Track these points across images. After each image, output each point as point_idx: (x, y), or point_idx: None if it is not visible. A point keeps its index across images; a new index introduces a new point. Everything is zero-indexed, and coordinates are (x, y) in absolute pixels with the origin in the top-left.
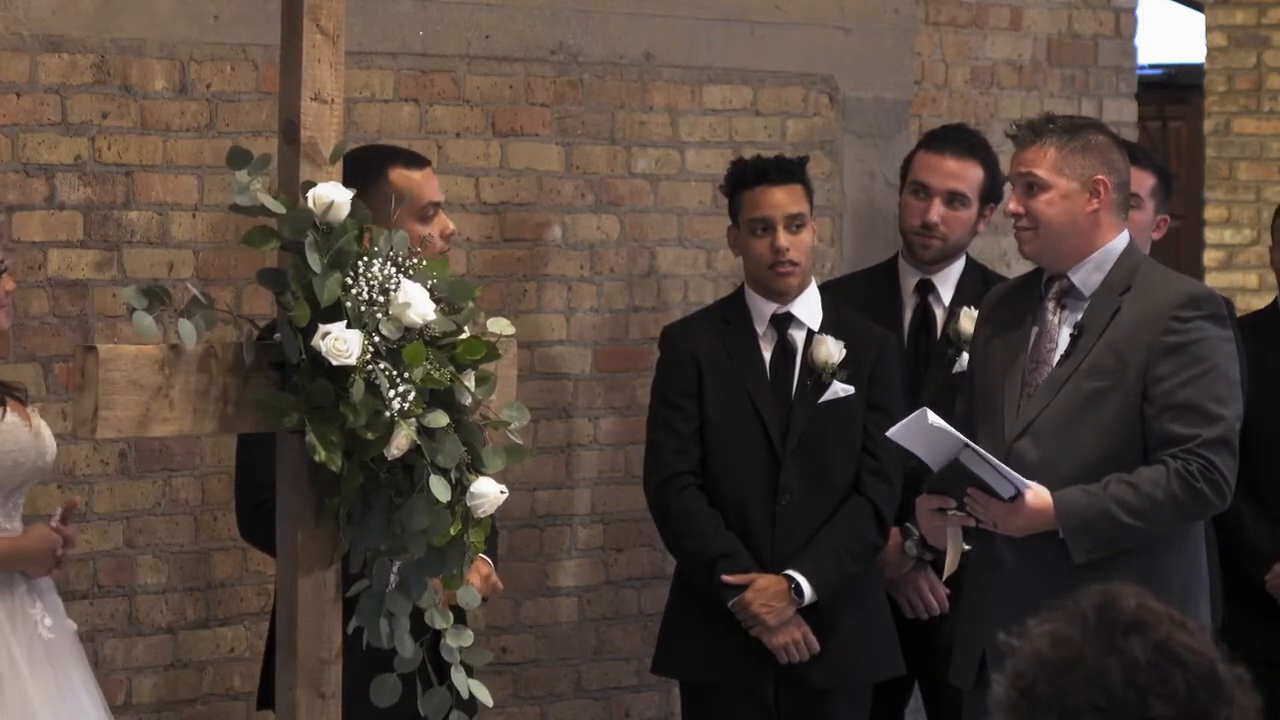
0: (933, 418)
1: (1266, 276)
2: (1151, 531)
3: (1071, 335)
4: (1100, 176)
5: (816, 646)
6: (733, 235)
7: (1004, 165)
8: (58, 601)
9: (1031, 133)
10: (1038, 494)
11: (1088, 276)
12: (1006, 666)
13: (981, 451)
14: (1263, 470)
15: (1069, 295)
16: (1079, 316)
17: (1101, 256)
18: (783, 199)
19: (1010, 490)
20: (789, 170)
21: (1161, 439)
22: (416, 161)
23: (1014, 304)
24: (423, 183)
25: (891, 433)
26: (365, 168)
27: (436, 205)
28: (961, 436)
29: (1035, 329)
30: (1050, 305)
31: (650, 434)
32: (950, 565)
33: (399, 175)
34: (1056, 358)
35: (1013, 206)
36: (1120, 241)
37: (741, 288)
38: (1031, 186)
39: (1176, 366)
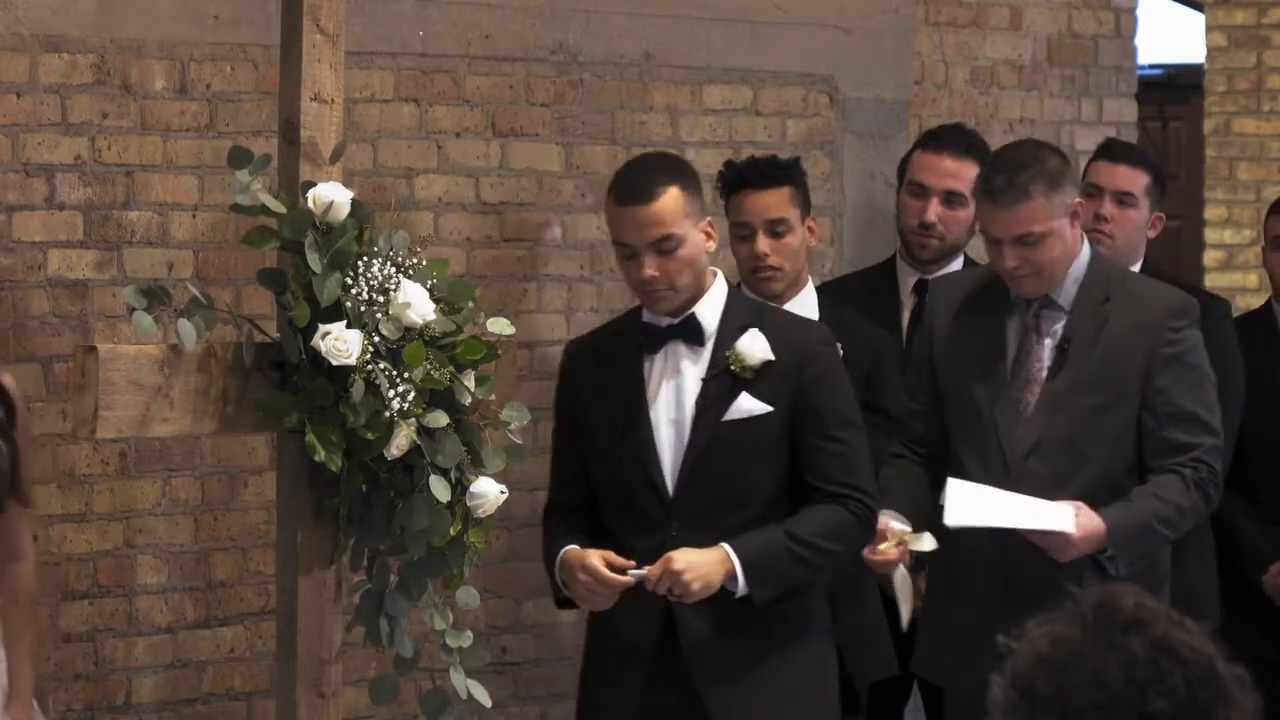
0: (954, 490)
1: (1266, 276)
2: (1175, 539)
3: (1060, 348)
4: (1076, 200)
5: None
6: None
7: None
8: None
9: (1013, 190)
10: (1089, 519)
11: (1067, 289)
12: (1005, 667)
13: (1025, 513)
14: (1256, 471)
15: (1046, 307)
16: (1058, 327)
17: (1076, 267)
18: (763, 204)
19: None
20: (770, 174)
21: (1164, 447)
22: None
23: (980, 309)
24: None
25: (948, 520)
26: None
27: (625, 245)
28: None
29: (1015, 344)
30: (1031, 322)
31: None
32: (906, 615)
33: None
34: (1045, 372)
35: (1012, 265)
36: (1086, 247)
37: (738, 288)
38: (1027, 241)
39: (1176, 377)
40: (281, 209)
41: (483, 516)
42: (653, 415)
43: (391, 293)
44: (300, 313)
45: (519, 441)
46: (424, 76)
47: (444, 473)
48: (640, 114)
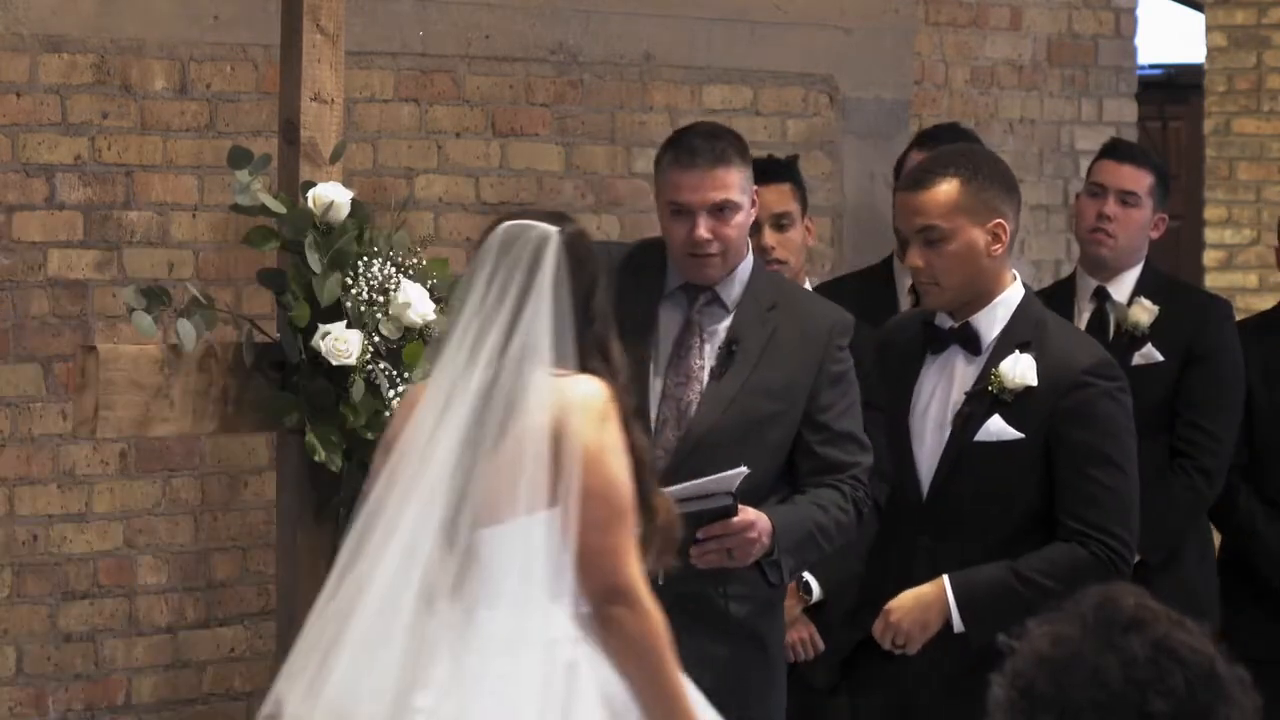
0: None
1: (1266, 277)
2: (826, 553)
3: (727, 349)
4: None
5: (822, 645)
6: None
7: None
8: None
9: (713, 154)
10: (757, 514)
11: (733, 290)
12: (1005, 667)
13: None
14: (1275, 473)
15: (710, 304)
16: (721, 326)
17: (742, 269)
18: (767, 198)
19: (726, 498)
20: (773, 171)
21: (823, 464)
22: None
23: (637, 294)
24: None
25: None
26: None
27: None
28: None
29: (671, 337)
30: (695, 318)
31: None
32: None
33: None
34: (707, 371)
35: (702, 234)
36: (751, 252)
37: None
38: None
39: (839, 395)
40: (281, 209)
41: None
42: (919, 418)
43: (391, 293)
44: (300, 313)
45: None
46: (424, 76)
47: None
48: (640, 114)
